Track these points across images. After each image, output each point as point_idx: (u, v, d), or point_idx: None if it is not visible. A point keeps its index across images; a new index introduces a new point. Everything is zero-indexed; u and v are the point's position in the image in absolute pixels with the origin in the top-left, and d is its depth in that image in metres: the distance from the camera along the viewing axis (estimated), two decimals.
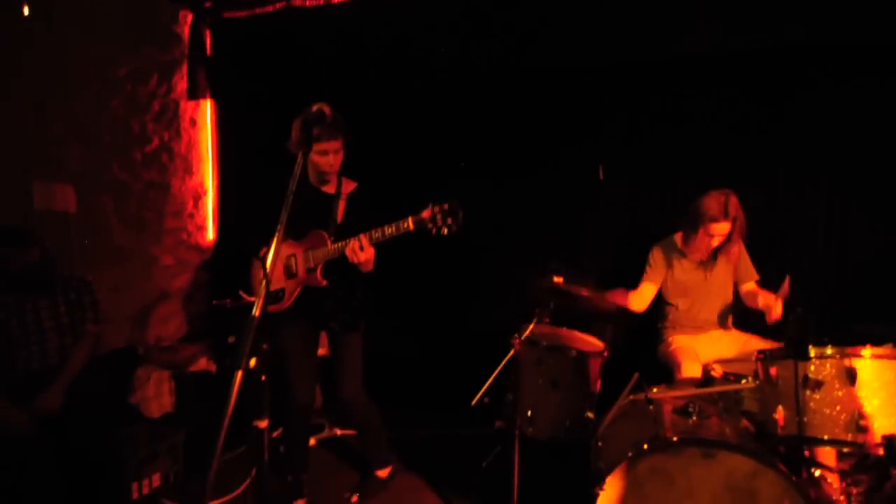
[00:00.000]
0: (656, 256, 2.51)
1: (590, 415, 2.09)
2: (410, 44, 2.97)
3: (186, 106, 3.49)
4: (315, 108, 1.34)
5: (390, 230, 1.92)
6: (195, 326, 3.49)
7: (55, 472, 2.10)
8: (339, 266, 2.03)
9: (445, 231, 1.86)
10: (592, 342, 2.34)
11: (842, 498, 1.64)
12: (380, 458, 2.37)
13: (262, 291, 1.06)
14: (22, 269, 2.22)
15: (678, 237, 2.49)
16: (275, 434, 2.82)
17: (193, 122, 3.56)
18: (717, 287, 2.45)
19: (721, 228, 2.29)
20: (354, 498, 2.28)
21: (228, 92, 3.52)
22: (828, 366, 1.48)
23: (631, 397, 1.92)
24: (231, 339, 2.93)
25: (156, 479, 2.43)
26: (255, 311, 1.04)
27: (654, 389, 1.93)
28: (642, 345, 2.63)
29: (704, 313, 2.46)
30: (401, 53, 3.00)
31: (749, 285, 2.41)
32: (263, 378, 1.06)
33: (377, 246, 1.96)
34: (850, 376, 1.45)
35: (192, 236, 3.60)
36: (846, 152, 2.52)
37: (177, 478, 2.49)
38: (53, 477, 2.09)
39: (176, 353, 3.03)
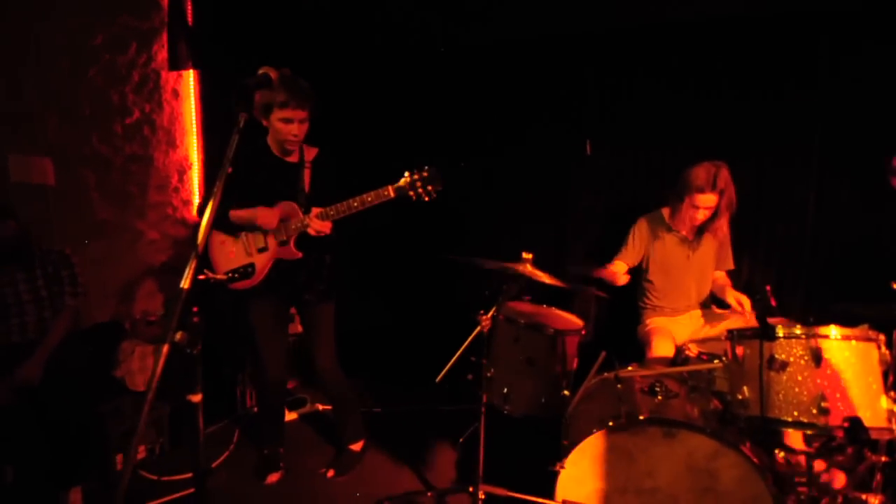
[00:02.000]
0: (641, 230, 2.45)
1: (566, 393, 2.08)
2: (395, 12, 2.86)
3: (168, 76, 3.41)
4: (261, 71, 1.29)
5: (369, 199, 1.89)
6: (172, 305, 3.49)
7: (39, 441, 2.14)
8: (312, 236, 2.01)
9: (427, 198, 1.85)
10: (571, 320, 2.32)
11: (804, 479, 1.63)
12: (353, 431, 2.39)
13: (192, 262, 1.03)
14: None
15: (666, 211, 2.43)
16: (254, 410, 2.87)
17: (176, 94, 3.49)
18: (699, 266, 2.40)
19: (707, 200, 2.21)
20: (330, 473, 2.31)
21: (212, 62, 3.42)
22: (795, 346, 1.45)
23: (605, 375, 1.91)
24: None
25: (141, 451, 2.49)
26: (184, 283, 1.02)
27: (630, 368, 1.92)
28: (624, 323, 2.60)
29: (684, 292, 2.42)
30: (386, 22, 2.90)
31: (720, 273, 2.35)
32: (196, 351, 1.04)
33: (358, 214, 1.93)
34: (816, 357, 1.41)
35: (178, 211, 3.58)
36: (838, 130, 2.42)
37: (162, 450, 2.54)
38: (38, 445, 2.14)
39: (160, 327, 3.05)
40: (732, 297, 2.19)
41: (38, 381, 2.18)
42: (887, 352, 1.45)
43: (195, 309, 0.98)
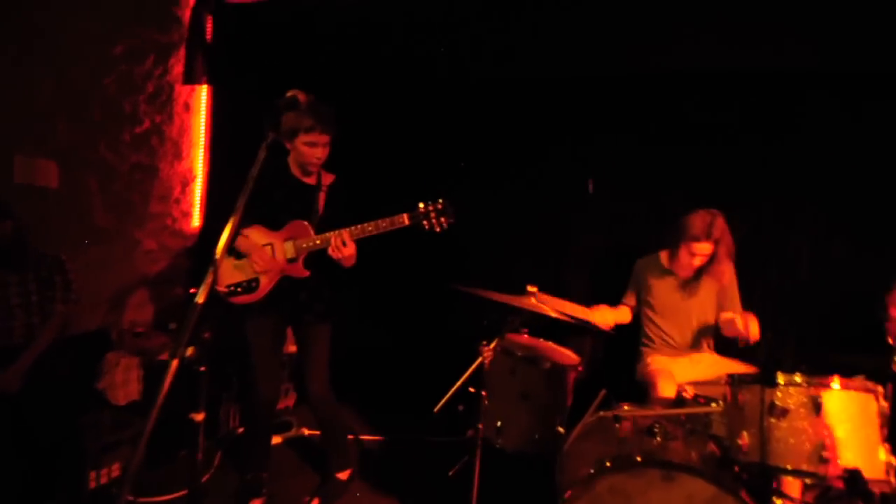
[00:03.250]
0: (637, 274, 2.50)
1: (560, 429, 2.06)
2: (411, 42, 2.97)
3: (181, 90, 3.47)
4: (290, 94, 1.33)
5: (384, 224, 1.95)
6: (172, 314, 3.44)
7: (12, 454, 2.04)
8: (320, 257, 2.02)
9: (438, 229, 1.94)
10: (568, 355, 2.31)
11: None
12: (341, 459, 2.32)
13: (209, 278, 1.03)
14: None
15: (664, 254, 2.47)
16: (239, 431, 2.78)
17: (187, 107, 3.54)
18: (697, 309, 2.42)
19: (702, 248, 2.26)
20: (315, 502, 2.23)
21: (226, 79, 3.50)
22: (795, 394, 1.46)
23: (601, 414, 1.90)
24: (172, 326, 2.89)
25: (116, 469, 2.37)
26: (199, 298, 1.01)
27: (626, 407, 1.90)
28: (621, 362, 2.60)
29: (683, 335, 2.43)
30: (402, 51, 2.99)
31: (728, 314, 2.38)
32: (203, 369, 1.02)
33: (361, 241, 1.97)
34: (816, 406, 1.42)
35: (177, 222, 3.56)
36: (833, 181, 2.52)
37: (138, 469, 2.42)
38: (10, 459, 2.04)
39: (148, 339, 2.98)
40: (739, 319, 2.15)
41: (17, 388, 2.11)
42: (886, 404, 1.47)
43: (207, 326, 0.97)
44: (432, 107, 3.13)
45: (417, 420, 2.78)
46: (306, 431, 2.84)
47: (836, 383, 1.45)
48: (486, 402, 2.07)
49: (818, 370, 1.50)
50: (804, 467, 1.41)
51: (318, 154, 2.03)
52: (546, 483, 1.95)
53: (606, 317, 2.38)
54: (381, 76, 3.07)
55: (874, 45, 2.30)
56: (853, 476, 1.32)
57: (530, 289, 1.83)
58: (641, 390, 2.33)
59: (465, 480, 1.89)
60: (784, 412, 1.44)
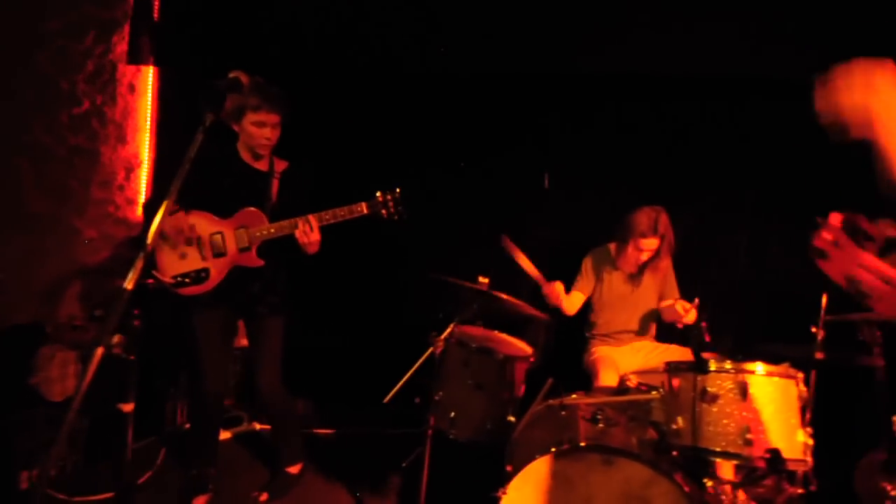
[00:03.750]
0: (588, 265, 2.57)
1: (511, 419, 2.09)
2: (364, 29, 2.91)
3: (126, 70, 3.28)
4: (232, 74, 1.28)
5: (342, 213, 1.94)
6: (110, 305, 3.27)
7: None
8: (275, 246, 1.97)
9: (396, 217, 1.96)
10: (521, 346, 2.35)
11: None
12: (291, 453, 2.29)
13: (139, 262, 0.98)
14: None
15: (612, 247, 2.56)
16: (186, 427, 2.69)
17: (132, 89, 3.35)
18: (642, 300, 2.52)
19: (649, 244, 2.36)
20: (263, 496, 2.19)
21: (175, 59, 3.33)
22: (725, 380, 1.54)
23: (551, 402, 1.95)
24: (98, 313, 2.77)
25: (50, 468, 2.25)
26: (128, 284, 0.96)
27: (574, 396, 1.96)
28: (571, 353, 2.67)
29: (628, 325, 2.53)
30: (356, 38, 2.94)
31: (668, 301, 2.50)
32: (132, 357, 0.98)
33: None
34: (743, 391, 1.51)
35: (121, 210, 3.38)
36: (771, 179, 2.67)
37: (75, 467, 2.31)
38: None
39: (86, 332, 2.82)
40: (679, 304, 2.28)
41: None
42: (804, 389, 1.57)
43: (136, 312, 0.92)
44: (390, 94, 3.10)
45: (374, 413, 2.78)
46: (257, 426, 2.77)
47: (760, 368, 1.54)
48: (440, 393, 2.09)
49: (748, 358, 1.59)
50: (731, 449, 1.50)
51: (268, 134, 1.96)
52: (495, 471, 1.99)
53: (561, 292, 2.40)
54: (336, 61, 3.01)
55: (807, 53, 2.45)
56: (774, 456, 1.42)
57: (482, 279, 1.84)
58: (587, 379, 2.41)
59: (418, 471, 1.90)
60: (714, 398, 1.53)
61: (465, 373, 2.10)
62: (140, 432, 2.56)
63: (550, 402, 1.93)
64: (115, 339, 0.94)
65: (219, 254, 2.00)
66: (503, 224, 2.99)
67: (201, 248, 2.00)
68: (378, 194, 1.96)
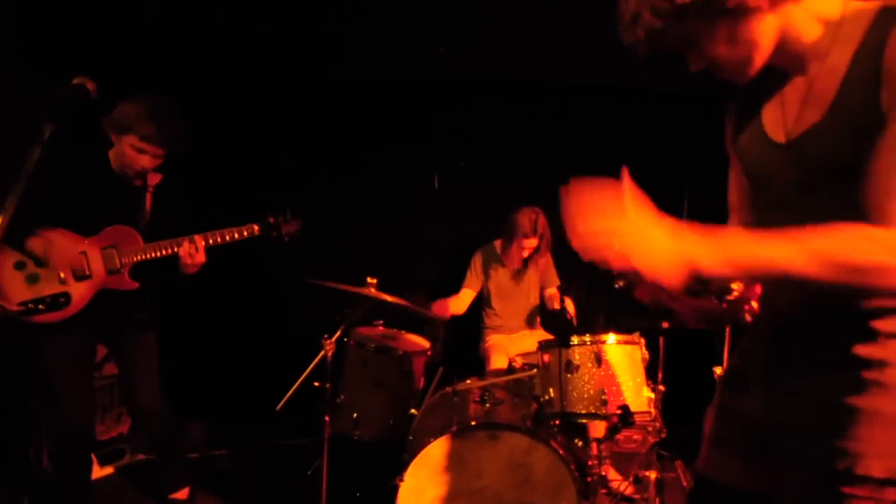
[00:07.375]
0: (476, 262, 2.78)
1: (413, 411, 2.20)
2: (243, 34, 2.80)
3: None
4: (76, 80, 1.15)
5: (231, 235, 1.87)
6: None
7: None
8: (151, 267, 1.85)
9: (286, 240, 1.95)
10: (418, 342, 2.47)
11: (595, 462, 1.99)
12: (176, 478, 2.15)
13: None
14: None
15: (498, 244, 2.79)
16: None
17: None
18: (526, 293, 2.80)
19: (531, 243, 2.63)
20: None
21: (10, 56, 2.90)
22: (583, 351, 1.79)
23: (445, 390, 2.08)
24: None
25: None
26: None
27: (468, 381, 2.12)
28: (469, 343, 2.86)
29: (516, 315, 2.78)
30: (233, 41, 2.81)
31: (551, 290, 2.80)
32: None
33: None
34: (598, 359, 1.77)
35: None
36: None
37: None
38: None
39: None
40: (558, 294, 2.56)
41: None
42: (646, 352, 1.88)
43: None
44: (276, 98, 3.06)
45: (272, 427, 2.72)
46: (142, 456, 2.58)
47: (612, 338, 1.82)
48: (342, 396, 2.12)
49: (603, 330, 1.87)
50: (592, 410, 1.75)
51: (144, 164, 1.82)
52: (399, 464, 2.08)
53: (444, 307, 2.64)
54: (218, 66, 2.88)
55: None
56: (624, 411, 1.68)
57: (370, 280, 1.92)
58: (482, 366, 2.61)
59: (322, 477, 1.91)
60: (576, 368, 1.77)
61: (365, 373, 2.16)
62: None
63: (445, 389, 2.06)
64: None
65: (81, 277, 1.83)
66: (396, 224, 3.12)
67: (59, 270, 1.82)
68: (270, 217, 1.95)
